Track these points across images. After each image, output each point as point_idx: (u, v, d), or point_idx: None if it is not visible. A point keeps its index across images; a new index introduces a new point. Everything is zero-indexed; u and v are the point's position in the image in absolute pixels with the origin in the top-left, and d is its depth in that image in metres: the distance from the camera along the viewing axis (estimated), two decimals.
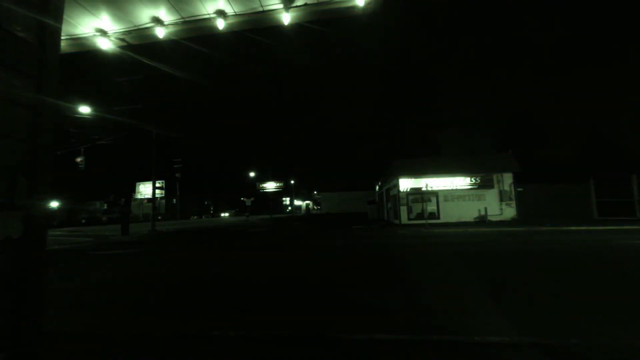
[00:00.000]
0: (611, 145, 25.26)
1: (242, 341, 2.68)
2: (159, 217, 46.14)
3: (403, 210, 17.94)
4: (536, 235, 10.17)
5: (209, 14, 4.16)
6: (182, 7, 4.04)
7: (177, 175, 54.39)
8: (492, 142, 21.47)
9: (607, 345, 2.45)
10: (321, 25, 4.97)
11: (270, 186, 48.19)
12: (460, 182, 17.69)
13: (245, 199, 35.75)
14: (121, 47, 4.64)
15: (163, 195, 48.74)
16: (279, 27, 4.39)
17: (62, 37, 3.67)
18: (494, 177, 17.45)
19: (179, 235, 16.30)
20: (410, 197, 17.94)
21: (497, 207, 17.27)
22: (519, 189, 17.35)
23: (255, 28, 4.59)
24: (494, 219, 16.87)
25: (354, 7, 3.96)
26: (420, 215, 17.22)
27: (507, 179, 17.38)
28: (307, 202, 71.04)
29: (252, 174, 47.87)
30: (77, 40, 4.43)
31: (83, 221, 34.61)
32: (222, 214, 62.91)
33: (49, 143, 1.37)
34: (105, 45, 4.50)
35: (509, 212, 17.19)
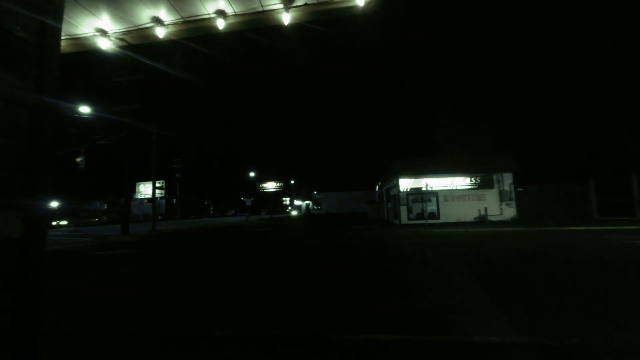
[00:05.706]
0: (611, 145, 25.23)
1: (242, 341, 2.68)
2: (159, 217, 46.13)
3: (403, 210, 17.94)
4: (536, 236, 10.17)
5: (209, 14, 4.15)
6: (182, 7, 4.04)
7: (177, 175, 54.30)
8: (492, 142, 21.44)
9: (607, 345, 2.45)
10: (321, 25, 4.97)
11: (270, 186, 48.11)
12: (460, 182, 17.68)
13: (245, 199, 35.77)
14: (121, 47, 4.63)
15: (163, 195, 48.66)
16: (279, 27, 4.38)
17: (62, 37, 3.67)
18: (494, 177, 17.44)
19: (178, 236, 16.30)
20: (410, 197, 17.93)
21: (497, 207, 17.26)
22: (519, 189, 17.34)
23: (255, 28, 4.58)
24: (494, 219, 16.86)
25: (354, 7, 3.95)
26: (420, 215, 17.21)
27: (507, 179, 17.37)
28: (307, 202, 70.92)
29: (252, 174, 47.74)
30: (77, 40, 4.43)
31: (83, 221, 34.61)
32: (222, 214, 62.84)
33: (49, 143, 1.36)
34: (105, 45, 4.50)
35: (509, 212, 17.18)
